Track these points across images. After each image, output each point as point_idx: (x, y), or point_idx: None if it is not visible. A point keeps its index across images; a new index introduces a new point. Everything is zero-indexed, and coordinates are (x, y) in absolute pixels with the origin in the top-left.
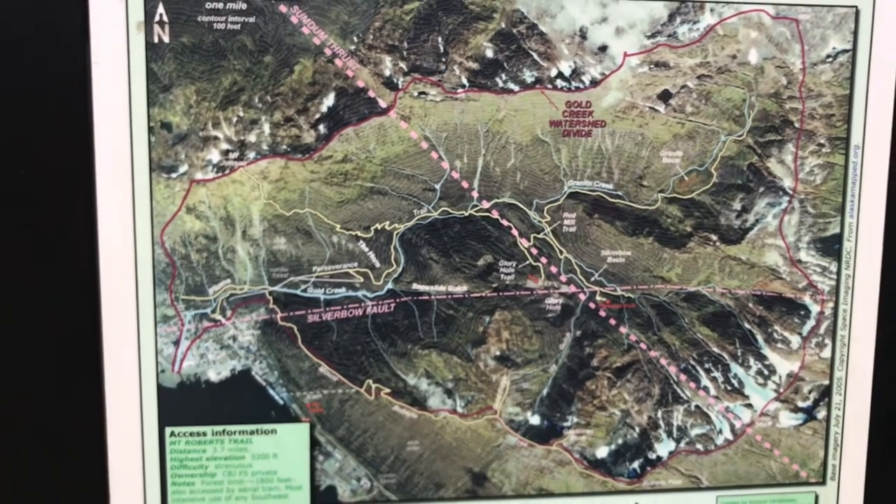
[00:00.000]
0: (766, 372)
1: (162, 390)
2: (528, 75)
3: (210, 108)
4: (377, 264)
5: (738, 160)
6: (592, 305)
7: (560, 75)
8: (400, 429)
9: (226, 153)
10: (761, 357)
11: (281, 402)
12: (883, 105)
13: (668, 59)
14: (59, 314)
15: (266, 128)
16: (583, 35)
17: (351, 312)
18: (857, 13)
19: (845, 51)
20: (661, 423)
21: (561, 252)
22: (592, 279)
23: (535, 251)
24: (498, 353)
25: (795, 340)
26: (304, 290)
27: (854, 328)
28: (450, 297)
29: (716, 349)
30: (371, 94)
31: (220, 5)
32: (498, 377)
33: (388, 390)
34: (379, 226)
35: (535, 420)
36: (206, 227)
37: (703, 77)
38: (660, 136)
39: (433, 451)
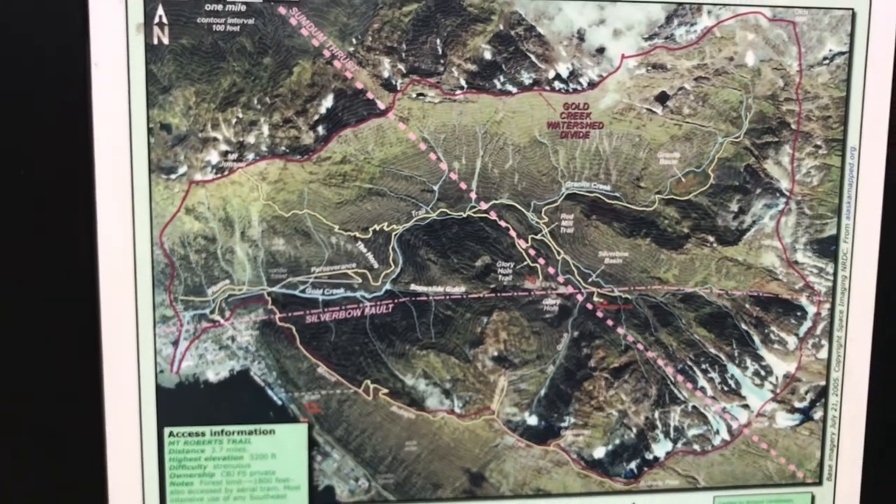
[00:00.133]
0: (762, 373)
1: (161, 390)
2: (526, 77)
3: (209, 109)
4: (375, 265)
5: (735, 162)
6: (590, 306)
7: (558, 77)
8: (398, 429)
9: (225, 154)
10: (758, 358)
11: (279, 402)
12: (879, 107)
13: (666, 61)
14: (59, 314)
15: (265, 129)
16: (580, 37)
17: (349, 313)
18: (854, 15)
19: (842, 53)
20: (658, 423)
21: (559, 253)
22: (590, 280)
23: (532, 252)
24: (496, 353)
25: (792, 341)
26: (303, 291)
27: (850, 329)
28: (448, 297)
29: (713, 350)
30: (370, 95)
31: (220, 7)
32: (496, 378)
33: (386, 391)
34: (377, 227)
35: (532, 420)
36: (205, 228)
37: (701, 79)
38: (657, 138)
39: (431, 452)
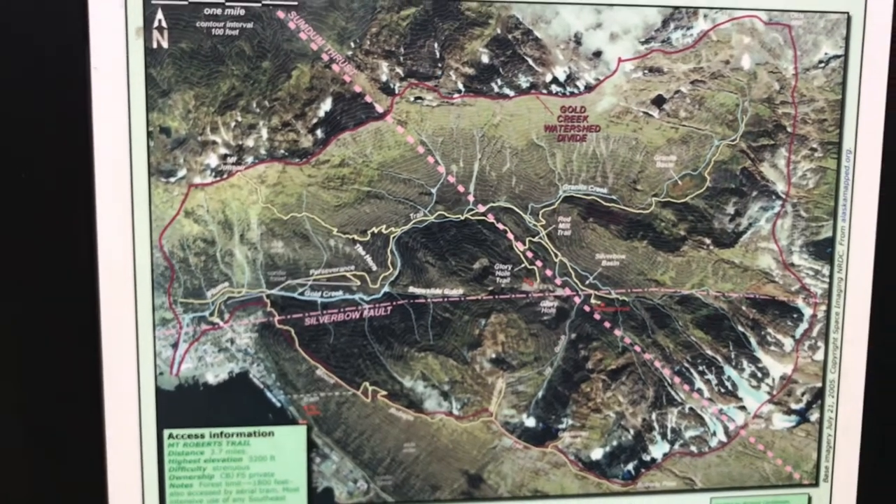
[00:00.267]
0: (759, 374)
1: (160, 392)
2: (524, 80)
3: (208, 112)
4: (374, 268)
5: (731, 164)
6: (587, 308)
7: (555, 80)
8: (396, 431)
9: (224, 158)
10: (755, 360)
11: (278, 404)
12: (874, 110)
13: (662, 65)
14: (59, 317)
15: (264, 132)
16: (577, 41)
17: (348, 315)
18: (849, 19)
19: (837, 56)
20: (655, 425)
21: (556, 255)
22: (587, 282)
23: (530, 254)
24: (493, 355)
25: (788, 343)
26: (302, 294)
27: (846, 331)
28: (446, 300)
29: (709, 352)
30: (368, 99)
31: (219, 11)
32: (494, 380)
33: (384, 393)
34: (376, 229)
35: (530, 422)
36: (204, 231)
37: (697, 82)
38: (654, 141)
39: (429, 453)
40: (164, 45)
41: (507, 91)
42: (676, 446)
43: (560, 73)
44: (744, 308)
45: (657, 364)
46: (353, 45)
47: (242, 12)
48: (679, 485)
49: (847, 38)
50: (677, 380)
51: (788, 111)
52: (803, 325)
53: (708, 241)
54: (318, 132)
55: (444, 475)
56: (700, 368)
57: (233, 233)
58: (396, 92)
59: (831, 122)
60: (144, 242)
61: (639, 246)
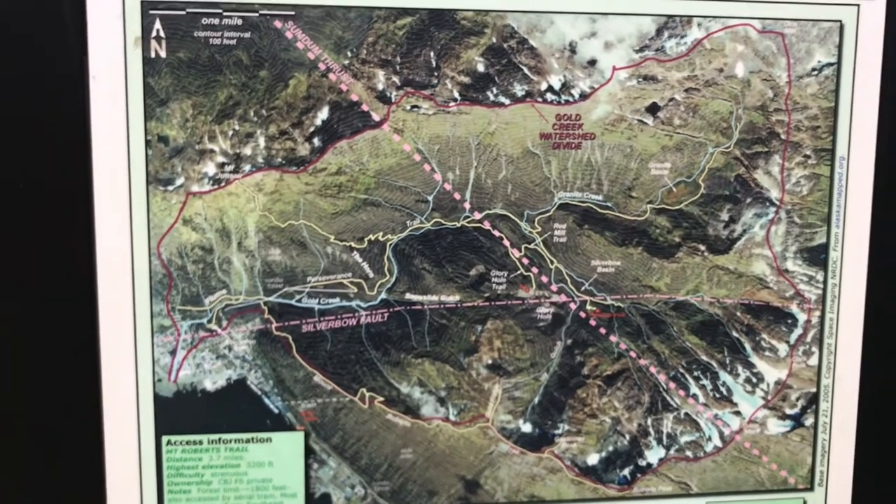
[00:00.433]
0: (754, 380)
1: (158, 399)
2: (519, 89)
3: (206, 121)
4: (371, 275)
5: (725, 171)
6: (583, 314)
7: (550, 89)
8: (393, 437)
9: (222, 166)
10: (749, 365)
11: (276, 410)
12: (867, 117)
13: (657, 73)
14: (58, 324)
15: (261, 141)
16: (572, 49)
17: (345, 322)
18: (842, 27)
19: (830, 64)
20: (650, 430)
21: (552, 262)
22: (583, 289)
23: (526, 261)
24: (490, 361)
25: (783, 348)
26: (299, 301)
27: (840, 336)
28: (442, 306)
29: (704, 357)
30: (364, 107)
31: (216, 21)
32: (490, 385)
33: (381, 399)
34: (372, 237)
35: (526, 428)
36: (202, 239)
37: (691, 90)
38: (648, 149)
39: (426, 459)
40: (162, 54)
41: (502, 99)
42: (672, 451)
43: (555, 81)
44: (738, 314)
45: (652, 370)
46: (349, 54)
47: (240, 22)
48: (675, 489)
49: (840, 46)
50: (672, 385)
51: (782, 118)
52: (798, 331)
53: (702, 247)
54: (315, 140)
55: (441, 481)
56: (695, 374)
57: (230, 240)
58: (393, 100)
59: (824, 129)
60: (143, 250)
61: (634, 252)
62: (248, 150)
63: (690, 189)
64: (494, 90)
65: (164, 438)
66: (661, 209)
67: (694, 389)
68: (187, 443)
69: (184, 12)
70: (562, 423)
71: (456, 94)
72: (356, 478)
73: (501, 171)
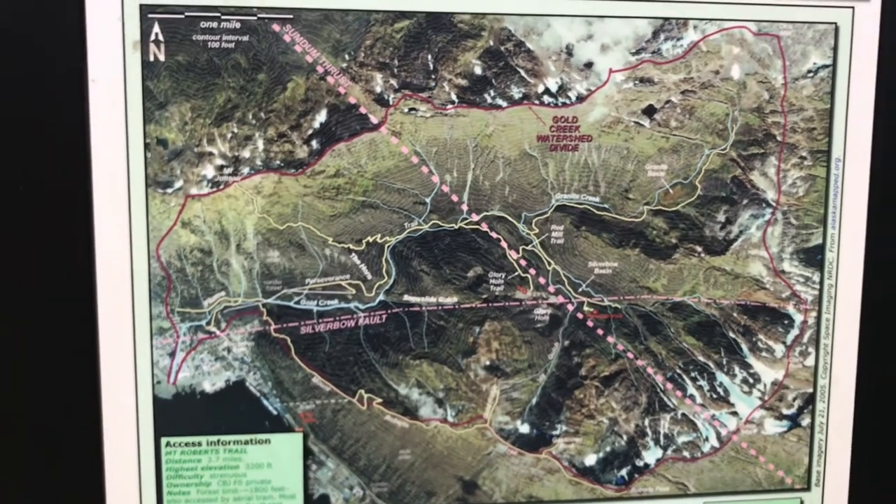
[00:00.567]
0: (751, 380)
1: (158, 401)
2: (516, 91)
3: (205, 124)
4: (369, 276)
5: (721, 173)
6: (580, 316)
7: (547, 91)
8: (392, 438)
9: (220, 169)
10: (746, 366)
11: (274, 412)
12: (863, 118)
13: (653, 75)
14: (57, 326)
15: (260, 144)
16: (569, 52)
17: (343, 324)
18: (837, 29)
19: (826, 66)
20: (648, 430)
21: (549, 264)
22: (580, 290)
23: (523, 263)
24: (488, 362)
25: (779, 349)
26: (298, 302)
27: (837, 337)
28: (440, 308)
29: (701, 358)
30: (362, 110)
31: (215, 24)
32: (488, 387)
33: (379, 400)
34: (370, 239)
35: (524, 429)
36: (201, 241)
37: (687, 92)
38: (645, 150)
39: (424, 460)
40: (161, 58)
41: (499, 102)
42: (669, 452)
43: (552, 83)
44: (735, 314)
45: (650, 370)
46: (347, 57)
47: (238, 25)
48: (672, 490)
49: (835, 48)
50: (670, 386)
51: (778, 120)
52: (794, 332)
53: (699, 248)
54: (314, 143)
55: (439, 482)
56: (692, 374)
57: (229, 243)
58: (391, 103)
59: (820, 130)
60: (142, 252)
61: (631, 254)
62: (246, 153)
63: (687, 190)
64: (492, 93)
65: (164, 440)
66: (658, 211)
67: (691, 390)
68: (186, 444)
69: (182, 16)
70: (559, 423)
71: (453, 97)
72: (355, 479)
73: (499, 173)
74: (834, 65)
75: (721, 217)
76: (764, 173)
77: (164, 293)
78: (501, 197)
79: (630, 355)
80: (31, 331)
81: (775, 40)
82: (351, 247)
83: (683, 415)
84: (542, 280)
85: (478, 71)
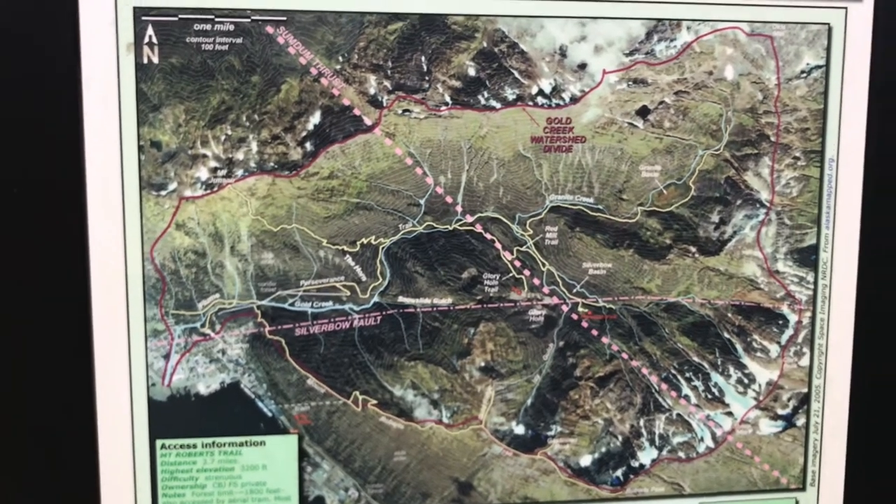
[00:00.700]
0: (745, 380)
1: (152, 403)
2: (510, 93)
3: (198, 126)
4: (363, 278)
5: (715, 174)
6: (575, 316)
7: (541, 92)
8: (387, 439)
9: (214, 171)
10: (741, 366)
11: (269, 414)
12: (856, 118)
13: (646, 76)
14: (51, 329)
15: (253, 146)
16: (562, 53)
17: (338, 325)
18: (830, 30)
19: (819, 66)
20: (643, 431)
21: (543, 264)
22: (574, 291)
23: (518, 264)
24: (483, 364)
25: (774, 349)
26: (292, 304)
27: (831, 337)
28: (435, 309)
29: (696, 358)
30: (356, 112)
31: (208, 27)
32: (483, 388)
33: (374, 402)
34: (365, 240)
35: (519, 429)
36: (195, 243)
37: (681, 93)
38: (639, 151)
39: (420, 461)
40: (155, 60)
41: (493, 103)
42: (664, 452)
43: (546, 85)
44: (729, 315)
45: (644, 371)
46: (341, 59)
47: (232, 28)
48: (667, 490)
49: (828, 49)
50: (664, 386)
51: (771, 121)
52: (789, 332)
53: (693, 249)
54: (308, 145)
55: (435, 483)
56: (687, 375)
57: (223, 245)
58: (384, 105)
59: (814, 131)
60: (136, 255)
61: (625, 254)
62: (240, 155)
63: (681, 191)
64: (485, 94)
65: (159, 442)
66: (652, 211)
67: (686, 390)
68: (181, 446)
69: (176, 18)
70: (554, 424)
71: (447, 98)
72: (350, 480)
73: (493, 175)
74: (827, 65)
75: (715, 217)
76: (758, 174)
77: (159, 295)
78: (496, 198)
79: (625, 356)
80: (25, 333)
81: (768, 41)
82: (345, 248)
83: (678, 415)
84: (536, 281)
85: (471, 72)
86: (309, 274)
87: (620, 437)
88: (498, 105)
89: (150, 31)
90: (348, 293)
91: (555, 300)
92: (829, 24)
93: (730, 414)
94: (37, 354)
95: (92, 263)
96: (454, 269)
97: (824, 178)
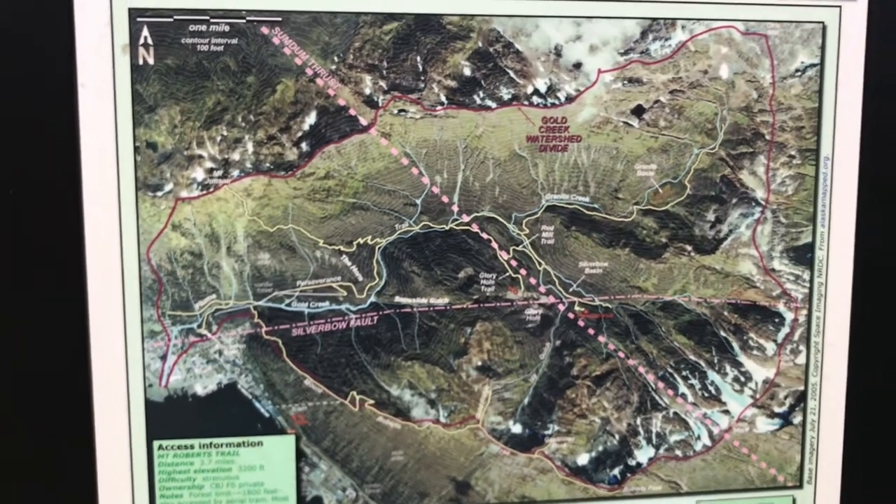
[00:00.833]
0: (742, 378)
1: (150, 404)
2: (505, 92)
3: (194, 127)
4: (360, 278)
5: (710, 172)
6: (571, 315)
7: (536, 92)
8: (384, 439)
9: (210, 171)
10: (737, 364)
11: (267, 414)
12: (851, 117)
13: (642, 75)
14: (48, 330)
15: (249, 146)
16: (558, 53)
17: (335, 325)
18: (825, 28)
19: (813, 65)
20: (640, 429)
21: (540, 264)
22: (571, 290)
23: (514, 263)
24: (479, 363)
25: (770, 347)
26: (289, 305)
27: (827, 335)
28: (432, 309)
29: (693, 357)
30: (352, 112)
31: (204, 28)
32: (480, 387)
33: (372, 401)
34: (361, 240)
35: (516, 429)
36: (191, 244)
37: (676, 92)
38: (634, 150)
39: (417, 461)
40: (150, 61)
41: (489, 103)
42: (661, 450)
43: (541, 84)
44: (726, 313)
45: (641, 369)
46: (336, 59)
47: (227, 28)
48: (665, 489)
49: (823, 48)
50: (661, 385)
51: (766, 119)
52: (785, 330)
53: (689, 247)
54: (303, 145)
55: (432, 482)
56: (684, 373)
57: (220, 245)
58: (380, 105)
59: (809, 129)
60: (132, 256)
61: (621, 253)
62: (236, 156)
63: (676, 190)
64: (481, 94)
65: (156, 443)
66: (648, 210)
67: (682, 389)
68: (179, 447)
69: (171, 19)
70: (552, 423)
71: (443, 98)
72: (347, 480)
73: (489, 174)
74: (822, 63)
75: (711, 216)
76: (753, 172)
77: (155, 296)
78: (492, 198)
79: (621, 354)
80: (22, 334)
81: (763, 40)
82: (342, 248)
83: (675, 413)
84: (532, 280)
85: (467, 72)
86: (305, 274)
87: (617, 436)
88: (493, 105)
89: (145, 32)
90: (345, 293)
91: (551, 299)
92: (823, 22)
93: (727, 412)
94: (33, 355)
95: (88, 264)
96: (451, 268)
97: (819, 176)
